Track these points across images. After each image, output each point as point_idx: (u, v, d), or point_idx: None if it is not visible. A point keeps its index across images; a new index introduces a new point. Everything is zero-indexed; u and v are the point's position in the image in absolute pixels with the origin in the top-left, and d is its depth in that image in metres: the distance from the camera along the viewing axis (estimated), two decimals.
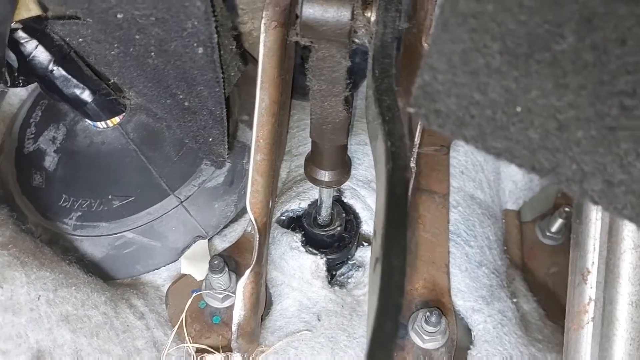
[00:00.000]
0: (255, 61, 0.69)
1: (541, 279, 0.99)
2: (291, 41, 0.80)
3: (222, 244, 0.85)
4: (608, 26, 0.34)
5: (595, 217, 0.57)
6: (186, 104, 0.67)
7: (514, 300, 0.87)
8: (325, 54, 0.56)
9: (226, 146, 0.74)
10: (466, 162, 0.94)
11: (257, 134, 0.67)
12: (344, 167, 0.71)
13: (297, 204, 0.86)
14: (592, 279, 0.58)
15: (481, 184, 0.94)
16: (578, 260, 0.60)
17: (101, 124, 0.82)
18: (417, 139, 0.71)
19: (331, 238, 0.83)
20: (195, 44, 0.56)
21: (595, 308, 0.57)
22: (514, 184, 0.99)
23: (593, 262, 0.57)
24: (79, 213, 0.81)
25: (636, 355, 0.53)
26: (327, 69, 0.58)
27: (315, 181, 0.71)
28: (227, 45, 0.64)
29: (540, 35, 0.35)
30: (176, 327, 0.74)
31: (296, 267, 0.81)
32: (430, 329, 0.76)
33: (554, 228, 0.98)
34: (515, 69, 0.37)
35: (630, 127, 0.37)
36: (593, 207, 0.57)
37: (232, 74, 0.69)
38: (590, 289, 0.58)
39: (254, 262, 0.69)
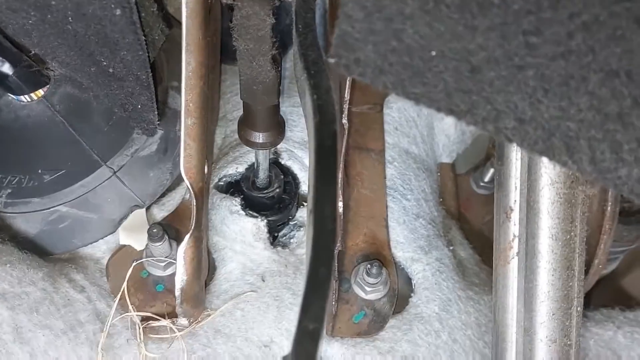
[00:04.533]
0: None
1: (477, 227, 1.03)
2: (215, 1, 0.79)
3: (160, 212, 0.84)
4: None
5: (515, 157, 0.60)
6: (111, 70, 0.66)
7: (451, 248, 0.90)
8: (249, 12, 0.56)
9: (156, 112, 0.73)
10: (400, 118, 0.96)
11: (186, 98, 0.66)
12: (277, 127, 0.72)
13: (234, 169, 0.86)
14: (515, 217, 0.60)
15: (415, 139, 0.96)
16: (501, 200, 0.63)
17: (25, 98, 0.79)
18: (347, 94, 0.72)
19: (271, 200, 0.83)
20: (112, 6, 0.54)
21: (519, 243, 0.60)
22: (447, 137, 1.01)
23: (515, 200, 0.60)
24: (9, 190, 0.78)
25: (558, 284, 0.57)
26: (252, 27, 0.57)
27: (250, 143, 0.72)
28: (148, 7, 0.62)
29: None
30: (118, 296, 0.74)
31: (237, 230, 0.81)
32: (371, 280, 0.78)
33: (487, 178, 1.02)
34: (427, 14, 0.38)
35: (536, 64, 0.39)
36: (513, 148, 0.60)
37: (156, 37, 0.67)
38: (514, 226, 0.61)
39: (192, 227, 0.69)
